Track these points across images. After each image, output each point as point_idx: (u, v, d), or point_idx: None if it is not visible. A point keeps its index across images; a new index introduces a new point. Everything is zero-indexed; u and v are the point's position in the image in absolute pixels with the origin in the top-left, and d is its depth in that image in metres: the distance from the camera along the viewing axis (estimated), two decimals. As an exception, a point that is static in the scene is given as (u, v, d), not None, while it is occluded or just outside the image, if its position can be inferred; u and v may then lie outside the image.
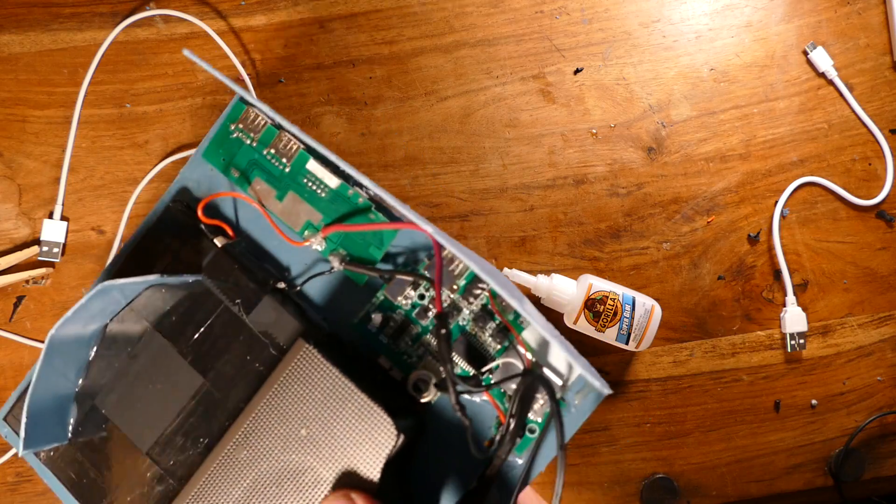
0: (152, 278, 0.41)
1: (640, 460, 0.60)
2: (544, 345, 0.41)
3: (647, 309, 0.56)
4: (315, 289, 0.43)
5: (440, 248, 0.40)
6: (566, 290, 0.56)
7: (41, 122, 0.61)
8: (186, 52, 0.39)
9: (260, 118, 0.45)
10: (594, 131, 0.62)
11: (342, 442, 0.37)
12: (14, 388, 0.59)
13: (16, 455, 0.59)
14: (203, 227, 0.43)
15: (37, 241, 0.60)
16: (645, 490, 0.60)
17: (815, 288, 0.62)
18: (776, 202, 0.62)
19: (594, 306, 0.55)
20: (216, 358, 0.41)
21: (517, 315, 0.41)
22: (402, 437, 0.37)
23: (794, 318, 0.60)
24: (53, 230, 0.59)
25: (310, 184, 0.44)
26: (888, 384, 0.61)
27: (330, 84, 0.62)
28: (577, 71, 0.63)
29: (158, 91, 0.61)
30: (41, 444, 0.41)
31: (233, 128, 0.45)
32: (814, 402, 0.61)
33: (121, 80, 0.61)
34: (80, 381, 0.42)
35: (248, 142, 0.45)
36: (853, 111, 0.63)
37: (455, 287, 0.42)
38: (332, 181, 0.43)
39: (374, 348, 0.43)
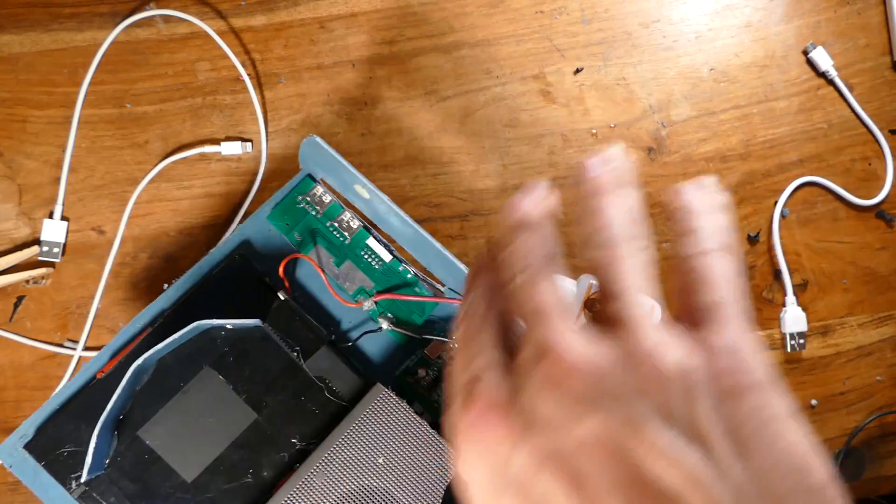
0: (252, 322, 0.44)
1: (639, 460, 0.60)
2: None
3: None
4: (361, 343, 0.50)
5: None
6: (566, 291, 0.56)
7: (41, 122, 0.61)
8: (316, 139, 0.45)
9: (326, 196, 0.50)
10: (594, 131, 0.62)
11: (413, 469, 0.43)
12: (13, 388, 0.59)
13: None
14: (268, 280, 0.47)
15: (37, 241, 0.60)
16: (645, 490, 0.60)
17: (815, 288, 0.62)
18: (776, 202, 0.62)
19: (594, 306, 0.55)
20: (270, 397, 0.45)
21: None
22: None
23: (793, 318, 0.60)
24: (53, 230, 0.59)
25: (366, 256, 0.50)
26: (888, 384, 0.61)
27: (330, 84, 0.62)
28: (577, 71, 0.63)
29: (158, 91, 0.61)
30: (95, 471, 0.42)
31: (299, 199, 0.50)
32: (814, 402, 0.61)
33: (121, 80, 0.61)
34: (125, 411, 0.44)
35: (314, 213, 0.50)
36: (853, 111, 0.63)
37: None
38: (387, 256, 0.50)
39: (411, 396, 0.49)
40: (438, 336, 0.49)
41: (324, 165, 0.48)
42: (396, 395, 0.46)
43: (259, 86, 0.62)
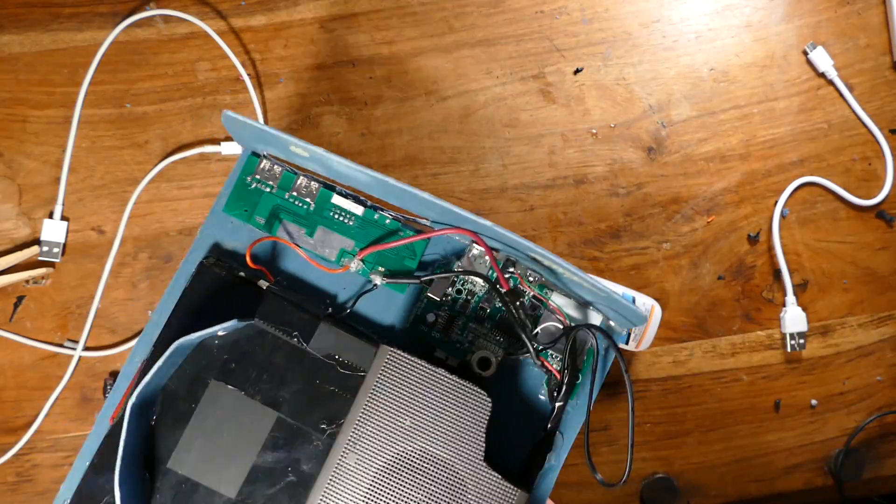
0: (230, 324, 0.42)
1: (640, 460, 0.60)
2: (575, 306, 0.47)
3: (647, 309, 0.56)
4: (361, 307, 0.47)
5: (483, 241, 0.44)
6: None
7: (41, 122, 0.61)
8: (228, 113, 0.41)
9: (276, 167, 0.46)
10: (594, 131, 0.62)
11: (444, 420, 0.41)
12: (13, 388, 0.59)
13: (16, 454, 0.59)
14: (243, 273, 0.45)
15: (37, 241, 0.60)
16: (645, 490, 0.60)
17: (815, 288, 0.62)
18: (776, 202, 0.62)
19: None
20: (285, 390, 0.43)
21: (542, 287, 0.46)
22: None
23: (793, 318, 0.60)
24: (53, 230, 0.59)
25: (336, 216, 0.47)
26: (888, 384, 0.61)
27: (330, 84, 0.62)
28: (577, 71, 0.63)
29: (158, 91, 0.61)
30: None
31: (249, 180, 0.47)
32: (813, 401, 0.61)
33: (121, 80, 0.61)
34: (149, 449, 0.43)
35: (268, 190, 0.47)
36: (853, 111, 0.63)
37: (488, 276, 0.47)
38: (358, 209, 0.46)
39: (429, 344, 0.46)
40: (437, 274, 0.46)
41: (255, 138, 0.45)
42: (412, 347, 0.43)
43: (259, 86, 0.62)
